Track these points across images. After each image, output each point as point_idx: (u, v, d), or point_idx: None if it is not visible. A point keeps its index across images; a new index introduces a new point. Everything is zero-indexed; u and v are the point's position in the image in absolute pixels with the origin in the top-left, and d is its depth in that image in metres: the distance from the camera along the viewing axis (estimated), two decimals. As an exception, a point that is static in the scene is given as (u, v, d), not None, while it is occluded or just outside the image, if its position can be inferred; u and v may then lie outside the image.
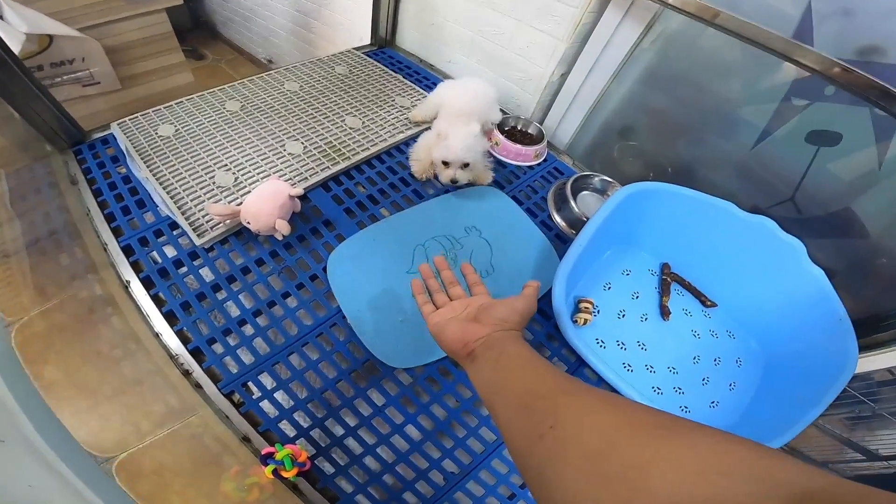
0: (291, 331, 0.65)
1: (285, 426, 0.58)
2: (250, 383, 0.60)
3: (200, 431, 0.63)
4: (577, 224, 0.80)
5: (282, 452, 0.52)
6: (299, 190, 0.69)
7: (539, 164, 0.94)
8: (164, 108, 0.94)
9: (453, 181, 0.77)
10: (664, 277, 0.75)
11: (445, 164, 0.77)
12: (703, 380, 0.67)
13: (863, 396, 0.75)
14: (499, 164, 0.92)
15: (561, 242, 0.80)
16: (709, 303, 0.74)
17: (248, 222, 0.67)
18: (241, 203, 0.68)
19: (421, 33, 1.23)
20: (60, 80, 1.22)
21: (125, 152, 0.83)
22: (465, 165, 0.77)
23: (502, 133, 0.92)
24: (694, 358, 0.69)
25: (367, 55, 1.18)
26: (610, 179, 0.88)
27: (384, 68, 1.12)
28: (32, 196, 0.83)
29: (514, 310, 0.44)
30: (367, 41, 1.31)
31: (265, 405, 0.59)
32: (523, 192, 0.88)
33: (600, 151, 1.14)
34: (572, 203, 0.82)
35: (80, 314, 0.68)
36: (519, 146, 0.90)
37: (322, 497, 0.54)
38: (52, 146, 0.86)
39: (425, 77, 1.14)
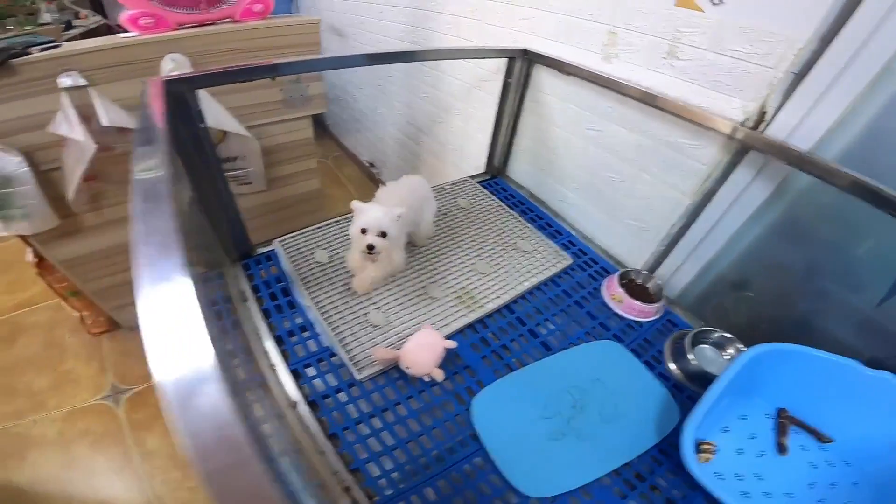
0: (439, 461, 0.70)
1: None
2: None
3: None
4: (694, 375, 0.85)
5: None
6: (454, 343, 0.76)
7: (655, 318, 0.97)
8: (317, 228, 1.09)
9: (370, 246, 0.82)
10: (781, 420, 0.80)
11: (364, 231, 0.83)
12: (819, 502, 0.72)
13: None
14: (617, 317, 0.97)
15: (678, 391, 0.83)
16: (825, 439, 0.77)
17: (408, 367, 0.74)
18: (400, 348, 0.76)
19: (534, 167, 1.30)
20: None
21: (288, 275, 0.95)
22: (383, 235, 0.83)
23: (621, 285, 0.97)
24: (810, 484, 0.73)
25: (483, 185, 1.31)
26: (730, 335, 0.90)
27: (500, 203, 1.23)
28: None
29: None
30: (475, 164, 1.43)
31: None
32: (640, 345, 0.92)
33: (711, 301, 1.15)
34: (690, 357, 0.86)
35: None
36: (642, 304, 0.94)
37: None
38: (227, 256, 0.99)
39: (539, 216, 1.21)
